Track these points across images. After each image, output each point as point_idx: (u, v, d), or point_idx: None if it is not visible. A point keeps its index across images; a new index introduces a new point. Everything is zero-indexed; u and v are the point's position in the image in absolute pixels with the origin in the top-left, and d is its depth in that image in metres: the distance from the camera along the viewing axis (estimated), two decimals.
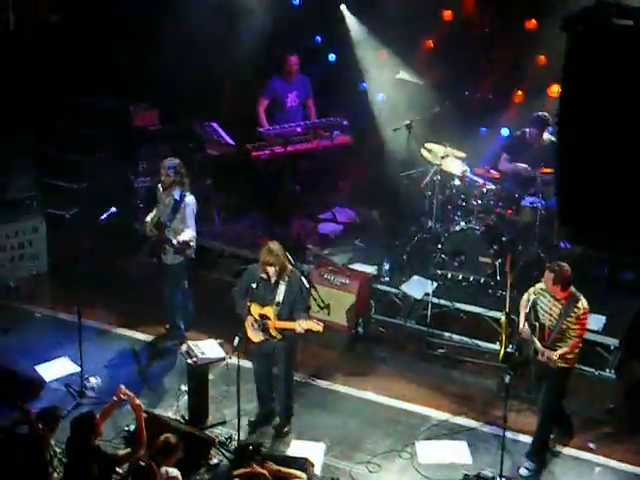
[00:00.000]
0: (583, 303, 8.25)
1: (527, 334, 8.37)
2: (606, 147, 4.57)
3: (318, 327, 8.56)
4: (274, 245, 8.60)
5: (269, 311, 8.62)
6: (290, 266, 8.73)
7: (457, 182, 11.11)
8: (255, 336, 8.73)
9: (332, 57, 13.42)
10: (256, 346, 8.83)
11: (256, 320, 8.65)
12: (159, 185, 10.01)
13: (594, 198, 4.81)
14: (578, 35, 4.42)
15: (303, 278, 8.95)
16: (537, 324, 8.36)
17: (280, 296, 8.61)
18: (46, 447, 7.42)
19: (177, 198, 9.79)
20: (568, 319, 8.21)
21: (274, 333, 8.67)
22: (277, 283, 8.62)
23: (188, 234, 9.76)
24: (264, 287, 8.63)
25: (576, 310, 8.20)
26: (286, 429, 9.03)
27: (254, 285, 8.57)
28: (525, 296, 8.62)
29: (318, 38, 13.39)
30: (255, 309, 8.66)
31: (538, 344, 8.30)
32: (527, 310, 8.44)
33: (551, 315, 8.31)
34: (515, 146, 11.31)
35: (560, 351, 8.19)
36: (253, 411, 9.11)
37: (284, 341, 8.73)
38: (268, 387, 9.10)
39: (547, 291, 8.36)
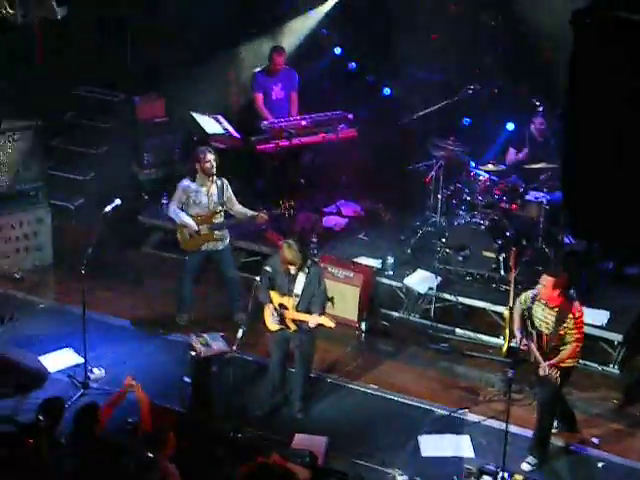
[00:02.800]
0: (577, 307, 8.22)
1: (526, 345, 8.36)
2: (613, 142, 4.55)
3: (330, 323, 8.72)
4: (293, 244, 8.69)
5: (288, 301, 8.77)
6: (310, 259, 8.78)
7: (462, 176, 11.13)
8: (272, 324, 8.87)
9: (338, 50, 13.57)
10: (272, 334, 8.98)
11: (275, 309, 8.79)
12: (189, 183, 10.04)
13: (599, 193, 4.80)
14: (586, 28, 4.41)
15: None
16: (534, 332, 8.34)
17: (299, 288, 8.75)
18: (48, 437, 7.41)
19: (218, 183, 10.04)
20: (564, 325, 8.17)
21: (289, 324, 8.80)
22: (297, 275, 8.75)
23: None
24: (285, 277, 8.78)
25: (571, 315, 8.16)
26: (302, 414, 9.10)
27: (274, 275, 8.77)
28: (517, 306, 8.57)
29: (324, 30, 13.43)
30: (275, 298, 8.82)
31: (539, 357, 8.27)
32: (522, 318, 8.41)
33: (547, 323, 8.27)
34: (521, 140, 11.31)
35: (559, 357, 8.19)
36: (258, 403, 9.13)
37: (305, 333, 8.84)
38: (281, 377, 9.13)
39: (538, 299, 8.32)
